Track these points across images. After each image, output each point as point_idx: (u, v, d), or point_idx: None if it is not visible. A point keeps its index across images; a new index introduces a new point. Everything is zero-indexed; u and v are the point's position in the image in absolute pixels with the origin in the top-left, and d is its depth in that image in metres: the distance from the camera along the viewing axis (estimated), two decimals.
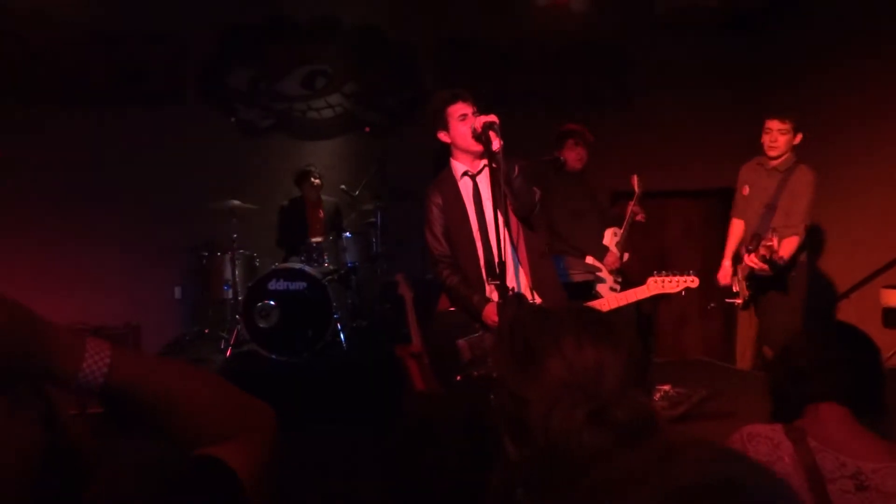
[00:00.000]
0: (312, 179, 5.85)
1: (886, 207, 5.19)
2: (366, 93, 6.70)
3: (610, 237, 4.94)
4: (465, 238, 3.30)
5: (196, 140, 6.32)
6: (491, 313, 3.12)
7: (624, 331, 1.07)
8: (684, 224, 7.38)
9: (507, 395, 1.02)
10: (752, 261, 4.14)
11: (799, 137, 4.27)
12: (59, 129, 6.16)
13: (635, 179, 5.13)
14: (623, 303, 3.35)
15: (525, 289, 3.23)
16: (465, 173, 3.32)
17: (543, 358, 1.00)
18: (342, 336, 5.47)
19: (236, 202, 5.62)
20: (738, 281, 4.43)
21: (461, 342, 3.23)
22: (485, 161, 3.24)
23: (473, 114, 3.23)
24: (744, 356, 4.61)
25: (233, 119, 6.41)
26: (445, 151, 3.41)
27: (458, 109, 3.24)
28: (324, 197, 6.01)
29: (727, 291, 7.72)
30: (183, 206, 6.09)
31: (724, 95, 7.21)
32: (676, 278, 3.24)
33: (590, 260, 4.79)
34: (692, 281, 3.24)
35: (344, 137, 6.66)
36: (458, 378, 3.22)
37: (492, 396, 1.13)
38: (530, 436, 0.95)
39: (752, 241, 4.16)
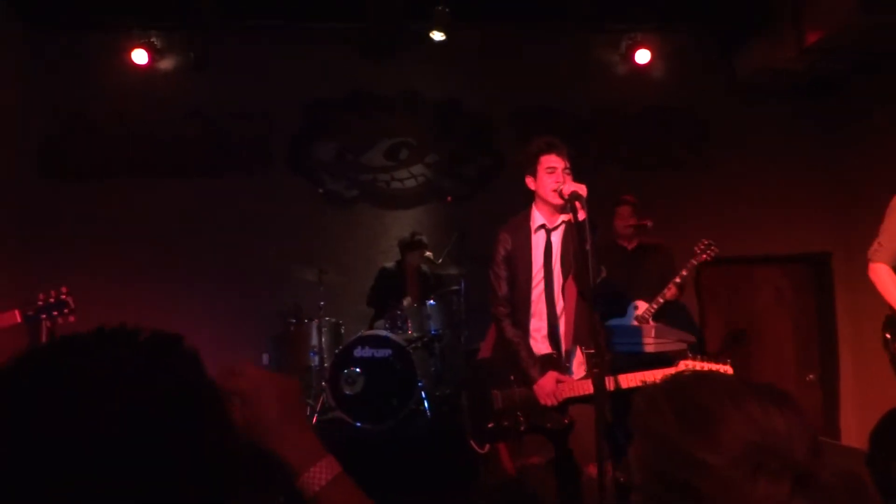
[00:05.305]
0: (427, 252, 5.98)
1: None
2: (446, 162, 6.86)
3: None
4: (520, 290, 3.31)
5: (284, 209, 6.55)
6: (544, 388, 3.17)
7: (799, 403, 1.04)
8: (775, 291, 7.13)
9: (672, 459, 0.99)
10: None
11: None
12: (155, 200, 6.45)
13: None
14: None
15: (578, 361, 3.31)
16: (541, 226, 3.31)
17: (723, 420, 0.97)
18: (426, 404, 5.45)
19: (323, 270, 5.74)
20: None
21: (495, 391, 3.36)
22: (563, 217, 3.27)
23: (563, 169, 3.22)
24: None
25: (321, 190, 6.63)
26: (528, 198, 3.43)
27: (549, 161, 3.24)
28: (422, 266, 6.10)
29: (827, 363, 7.29)
30: (271, 274, 6.27)
31: (805, 160, 7.07)
32: (709, 365, 2.87)
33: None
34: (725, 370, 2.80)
35: (425, 206, 6.80)
36: (490, 425, 3.36)
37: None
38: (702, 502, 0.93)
39: None
